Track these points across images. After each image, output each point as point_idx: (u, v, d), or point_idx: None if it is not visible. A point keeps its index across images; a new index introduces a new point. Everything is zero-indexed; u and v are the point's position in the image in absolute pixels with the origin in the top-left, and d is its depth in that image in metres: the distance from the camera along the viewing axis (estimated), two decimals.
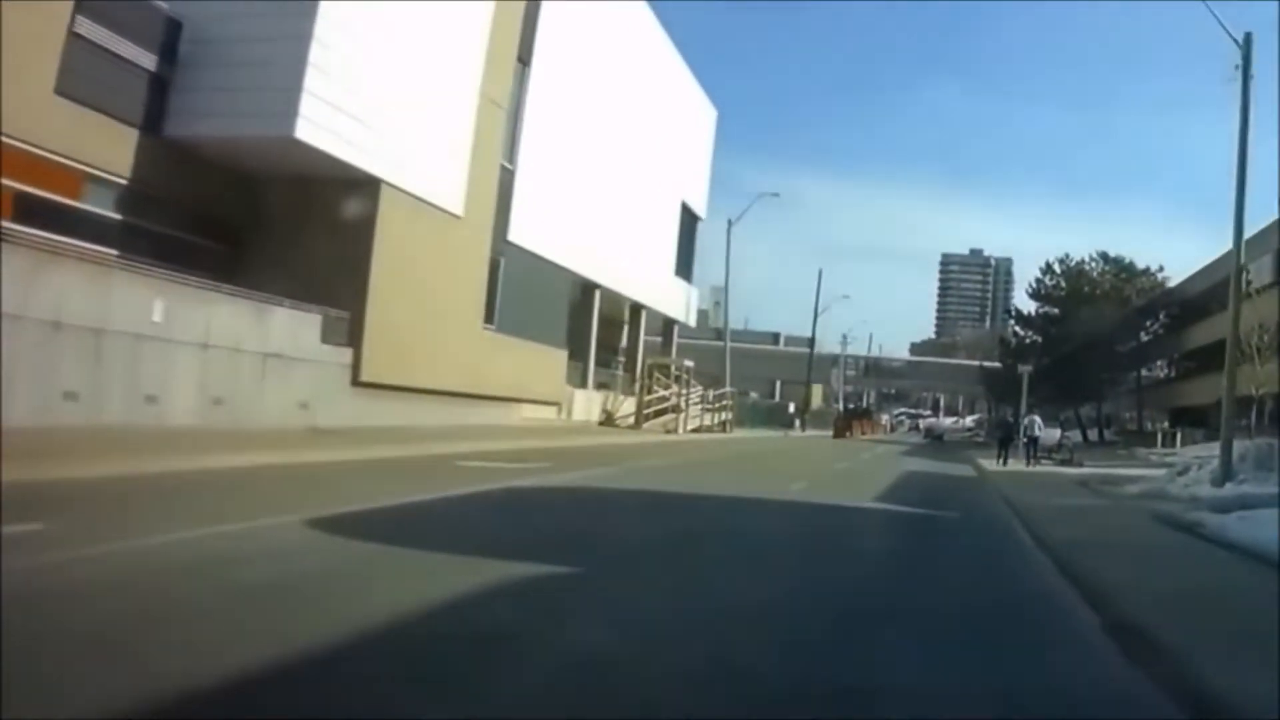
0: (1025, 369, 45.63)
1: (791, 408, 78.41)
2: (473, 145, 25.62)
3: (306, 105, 19.16)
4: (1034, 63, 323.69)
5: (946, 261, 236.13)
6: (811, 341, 78.28)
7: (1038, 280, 70.20)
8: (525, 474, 15.53)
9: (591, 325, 37.19)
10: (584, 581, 7.03)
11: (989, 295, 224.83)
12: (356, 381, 21.69)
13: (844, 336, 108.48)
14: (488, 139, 26.42)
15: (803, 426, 70.76)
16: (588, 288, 36.45)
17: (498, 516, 10.81)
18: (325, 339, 20.82)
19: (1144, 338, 66.29)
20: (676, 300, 46.86)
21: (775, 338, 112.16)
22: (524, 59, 28.72)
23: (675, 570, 7.91)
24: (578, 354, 35.85)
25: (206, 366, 17.78)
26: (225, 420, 17.95)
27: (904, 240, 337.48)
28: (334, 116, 19.96)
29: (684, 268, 47.65)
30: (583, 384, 36.88)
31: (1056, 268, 69.10)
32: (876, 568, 9.05)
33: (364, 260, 21.51)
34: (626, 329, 43.06)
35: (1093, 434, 65.42)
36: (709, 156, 50.16)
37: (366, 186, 21.53)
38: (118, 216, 19.28)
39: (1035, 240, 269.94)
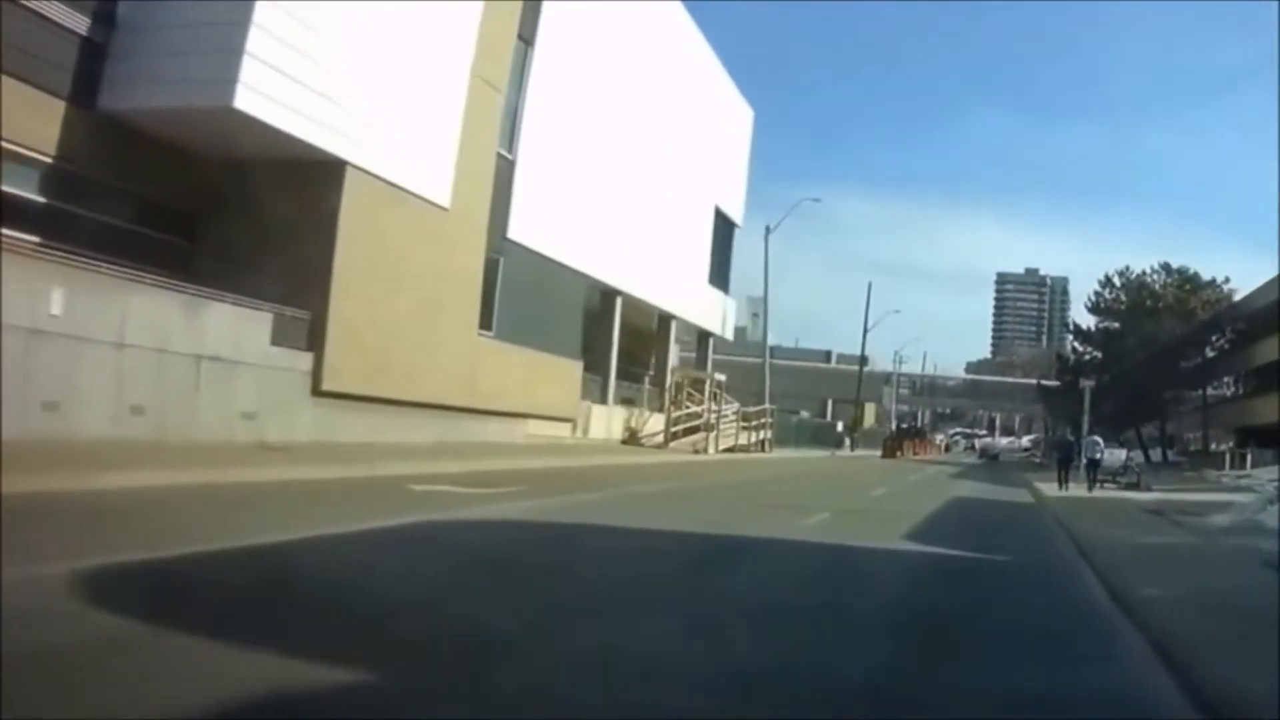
0: (1088, 383, 42.10)
1: (840, 426, 75.55)
2: (462, 130, 22.79)
3: (249, 71, 16.49)
4: (1081, 78, 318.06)
5: (1002, 280, 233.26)
6: (861, 359, 75.16)
7: (1097, 294, 67.32)
8: (481, 501, 12.88)
9: (612, 335, 34.25)
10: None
11: (1045, 314, 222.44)
12: (318, 391, 18.94)
13: (896, 354, 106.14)
14: (481, 124, 23.59)
15: (852, 446, 67.90)
16: (608, 294, 33.60)
17: (370, 568, 7.82)
18: (277, 341, 18.07)
19: (1209, 353, 62.91)
20: (711, 311, 43.79)
21: (827, 356, 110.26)
22: (526, 38, 25.94)
23: (529, 685, 4.91)
24: (596, 366, 32.90)
25: (123, 369, 15.15)
26: (148, 432, 15.35)
27: (959, 259, 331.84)
28: (286, 87, 17.30)
29: (719, 277, 44.54)
30: (602, 399, 33.88)
31: (1117, 280, 66.15)
32: (865, 670, 5.72)
33: (326, 253, 18.76)
34: (657, 340, 40.17)
35: (1155, 454, 61.80)
36: (745, 160, 46.89)
37: (329, 169, 18.78)
38: (40, 199, 16.83)
39: (1093, 259, 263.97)
